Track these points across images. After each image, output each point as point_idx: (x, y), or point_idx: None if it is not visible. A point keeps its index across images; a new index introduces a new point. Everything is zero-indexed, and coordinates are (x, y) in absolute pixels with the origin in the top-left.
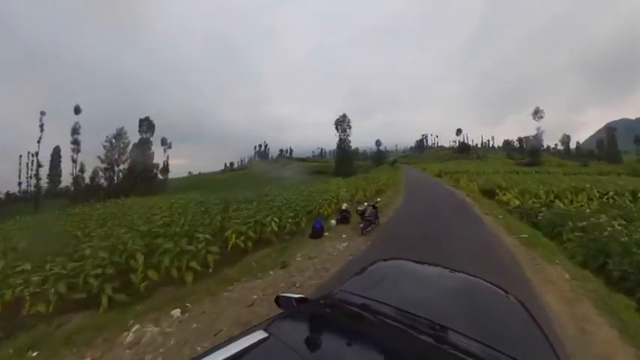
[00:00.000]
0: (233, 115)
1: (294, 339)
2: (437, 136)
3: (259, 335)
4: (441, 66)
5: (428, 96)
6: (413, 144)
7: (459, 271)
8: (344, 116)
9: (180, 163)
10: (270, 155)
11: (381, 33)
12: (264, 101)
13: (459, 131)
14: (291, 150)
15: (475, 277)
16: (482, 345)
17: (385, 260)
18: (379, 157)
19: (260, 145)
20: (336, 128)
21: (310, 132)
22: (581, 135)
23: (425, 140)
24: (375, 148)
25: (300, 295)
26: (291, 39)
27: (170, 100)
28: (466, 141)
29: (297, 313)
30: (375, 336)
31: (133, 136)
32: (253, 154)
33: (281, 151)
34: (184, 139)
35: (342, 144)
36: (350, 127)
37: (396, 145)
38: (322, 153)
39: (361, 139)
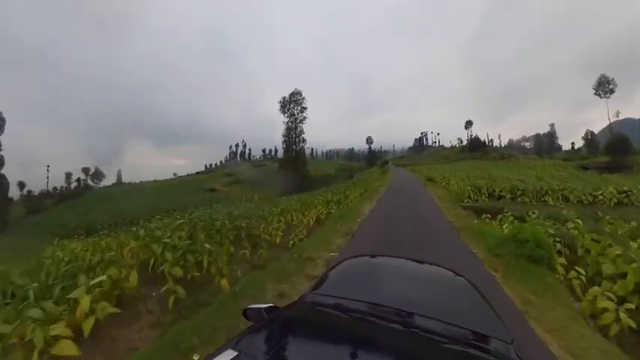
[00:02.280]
0: (233, 114)
1: (266, 352)
2: (438, 134)
3: (228, 355)
4: (441, 65)
5: (427, 95)
6: (412, 143)
7: (419, 261)
8: (296, 94)
9: (181, 163)
10: (252, 155)
11: (381, 33)
12: (264, 101)
13: (468, 124)
14: (276, 150)
15: (433, 264)
16: (443, 323)
17: (352, 258)
18: (371, 157)
19: (237, 145)
20: (283, 111)
21: (309, 131)
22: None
23: (424, 138)
24: (375, 148)
25: (270, 305)
26: (291, 38)
27: (171, 100)
28: (471, 138)
29: (268, 324)
30: (348, 333)
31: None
32: (228, 154)
33: (264, 151)
34: (185, 139)
35: (290, 134)
36: (305, 109)
37: (394, 145)
38: (313, 153)
39: (360, 139)
